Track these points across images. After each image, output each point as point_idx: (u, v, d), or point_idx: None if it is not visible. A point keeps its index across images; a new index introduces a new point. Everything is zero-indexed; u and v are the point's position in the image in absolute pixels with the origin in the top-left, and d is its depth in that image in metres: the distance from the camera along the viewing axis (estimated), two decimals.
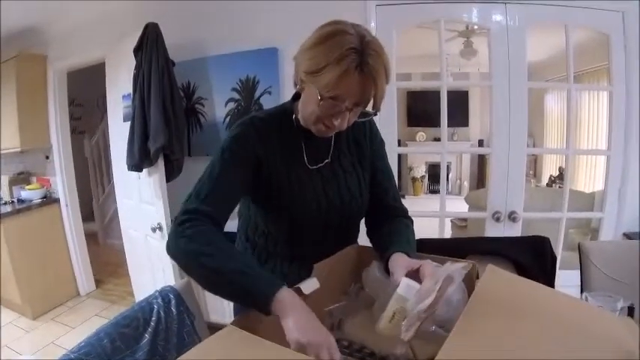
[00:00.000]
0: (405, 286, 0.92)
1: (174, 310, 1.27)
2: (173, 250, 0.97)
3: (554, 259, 1.74)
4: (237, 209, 1.33)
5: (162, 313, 1.25)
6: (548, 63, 5.09)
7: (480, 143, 7.67)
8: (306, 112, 1.08)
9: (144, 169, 2.60)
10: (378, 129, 1.32)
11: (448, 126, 2.40)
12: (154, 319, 1.23)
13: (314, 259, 1.07)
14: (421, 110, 7.33)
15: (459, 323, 0.80)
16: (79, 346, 1.10)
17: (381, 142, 1.31)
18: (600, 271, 1.78)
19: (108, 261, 4.55)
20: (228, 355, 0.79)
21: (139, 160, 2.52)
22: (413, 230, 1.23)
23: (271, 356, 0.78)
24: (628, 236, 2.35)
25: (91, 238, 4.30)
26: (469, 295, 0.93)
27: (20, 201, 3.56)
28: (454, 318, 0.84)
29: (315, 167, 1.18)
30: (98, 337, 1.16)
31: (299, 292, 0.98)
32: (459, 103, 7.43)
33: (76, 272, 3.85)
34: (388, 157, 1.34)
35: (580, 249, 1.84)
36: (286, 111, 1.19)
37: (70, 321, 3.39)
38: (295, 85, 1.10)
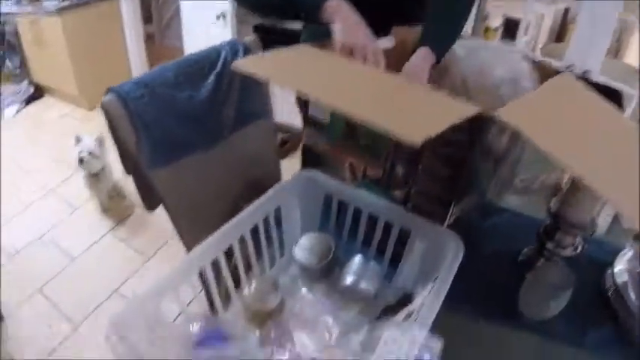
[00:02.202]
0: None
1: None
2: None
3: None
4: None
5: (229, 59, 1.21)
6: None
7: (566, 11, 6.86)
8: None
9: None
10: None
11: None
12: (220, 63, 1.22)
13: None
14: None
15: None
16: (139, 77, 1.10)
17: None
18: None
19: (165, 59, 4.49)
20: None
21: None
22: None
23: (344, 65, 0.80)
24: None
25: (148, 39, 4.21)
26: None
27: None
28: None
29: None
30: (161, 71, 1.15)
31: None
32: None
33: (132, 69, 3.86)
34: None
35: None
36: None
37: None
38: None
